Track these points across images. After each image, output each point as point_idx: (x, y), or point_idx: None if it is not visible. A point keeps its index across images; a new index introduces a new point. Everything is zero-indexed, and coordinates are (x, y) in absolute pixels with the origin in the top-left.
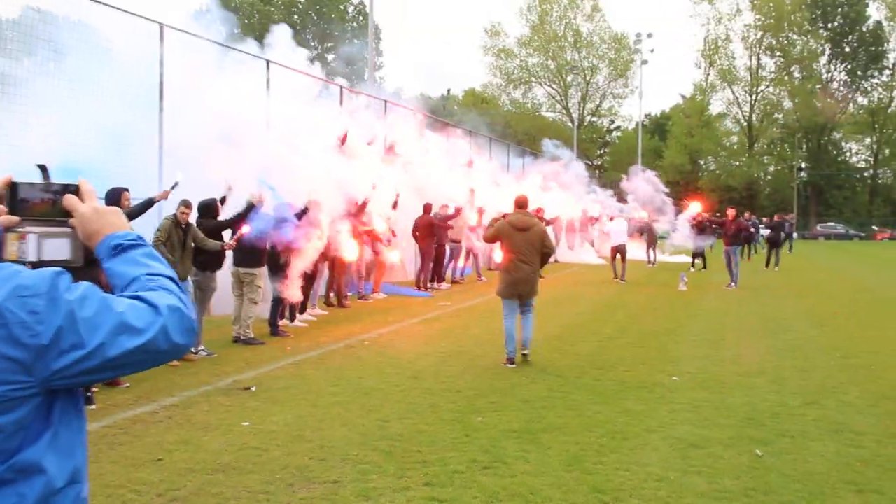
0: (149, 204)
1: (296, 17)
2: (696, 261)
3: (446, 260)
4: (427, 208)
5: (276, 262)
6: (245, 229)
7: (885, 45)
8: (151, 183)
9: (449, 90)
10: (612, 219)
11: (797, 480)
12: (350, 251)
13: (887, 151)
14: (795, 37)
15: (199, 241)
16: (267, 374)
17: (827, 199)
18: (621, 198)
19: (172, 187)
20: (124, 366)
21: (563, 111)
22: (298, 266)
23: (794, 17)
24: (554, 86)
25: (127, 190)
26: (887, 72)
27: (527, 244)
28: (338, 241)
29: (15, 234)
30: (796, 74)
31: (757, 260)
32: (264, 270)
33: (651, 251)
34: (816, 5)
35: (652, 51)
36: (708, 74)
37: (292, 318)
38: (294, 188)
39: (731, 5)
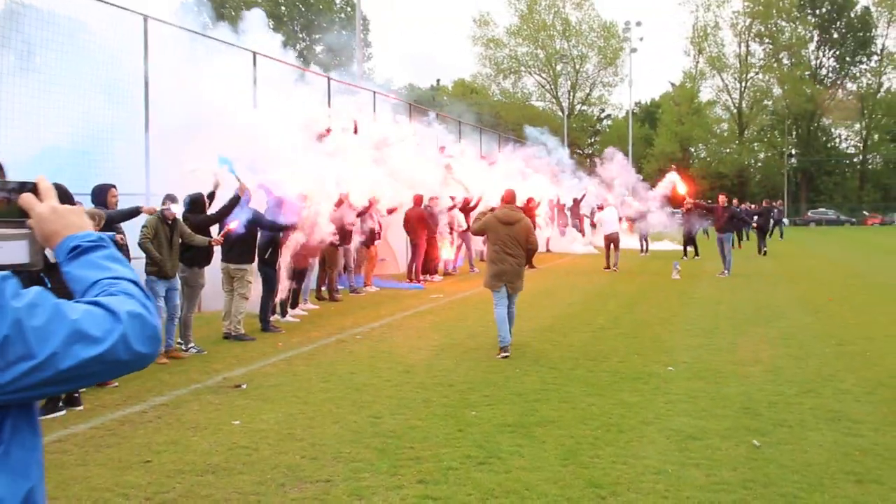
0: (135, 212)
1: (283, 7)
2: (689, 248)
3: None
4: (417, 200)
5: (265, 257)
6: (233, 225)
7: (873, 30)
8: (138, 178)
9: (438, 80)
10: (601, 208)
11: (796, 471)
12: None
13: (876, 137)
14: (784, 23)
15: (186, 236)
16: (258, 370)
17: (817, 185)
18: (609, 185)
19: (163, 208)
20: (81, 377)
21: (553, 100)
22: (288, 261)
23: (783, 4)
24: (543, 75)
25: (114, 186)
26: (875, 57)
27: (512, 238)
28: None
29: None
30: (785, 61)
31: (749, 247)
32: (254, 266)
33: (644, 240)
34: None
35: (641, 39)
36: (697, 62)
37: (283, 314)
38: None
39: None
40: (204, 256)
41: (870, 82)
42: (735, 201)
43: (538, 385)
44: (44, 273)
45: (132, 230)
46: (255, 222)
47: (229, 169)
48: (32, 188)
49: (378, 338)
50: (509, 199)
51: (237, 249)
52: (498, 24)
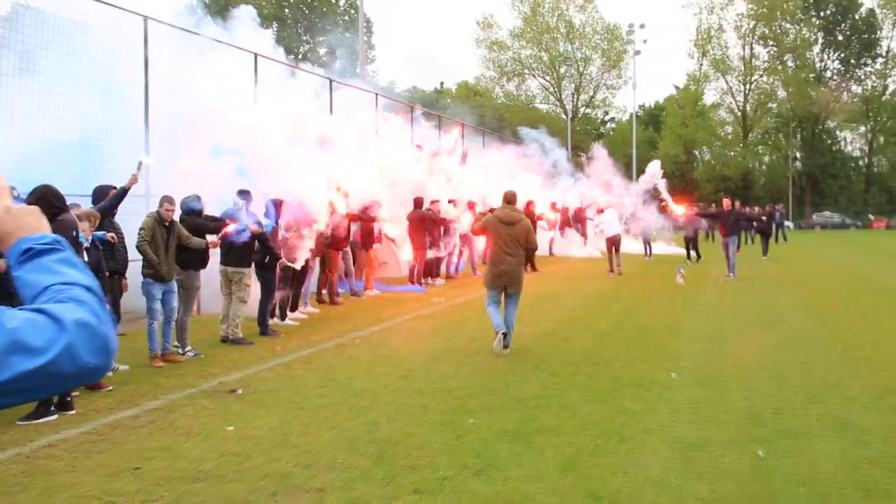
0: (122, 193)
1: (286, 10)
2: (692, 252)
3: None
4: (418, 203)
5: (264, 259)
6: (230, 228)
7: (878, 32)
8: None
9: (442, 83)
10: (601, 211)
11: (802, 483)
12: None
13: (882, 139)
14: (788, 26)
15: (183, 238)
16: (254, 375)
17: (822, 189)
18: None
19: (138, 169)
20: (20, 391)
21: (557, 103)
22: (287, 264)
23: (787, 6)
24: (547, 77)
25: (114, 188)
26: (880, 60)
27: (512, 238)
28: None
29: None
30: (790, 63)
31: (753, 251)
32: (252, 269)
33: (647, 244)
34: None
35: (645, 41)
36: (701, 64)
37: (283, 317)
38: (280, 185)
39: None
40: (200, 259)
41: (875, 84)
42: (737, 203)
43: (538, 391)
44: None
45: (130, 232)
46: (259, 238)
47: (244, 177)
48: None
49: (378, 342)
50: (510, 199)
51: (235, 252)
52: (501, 26)
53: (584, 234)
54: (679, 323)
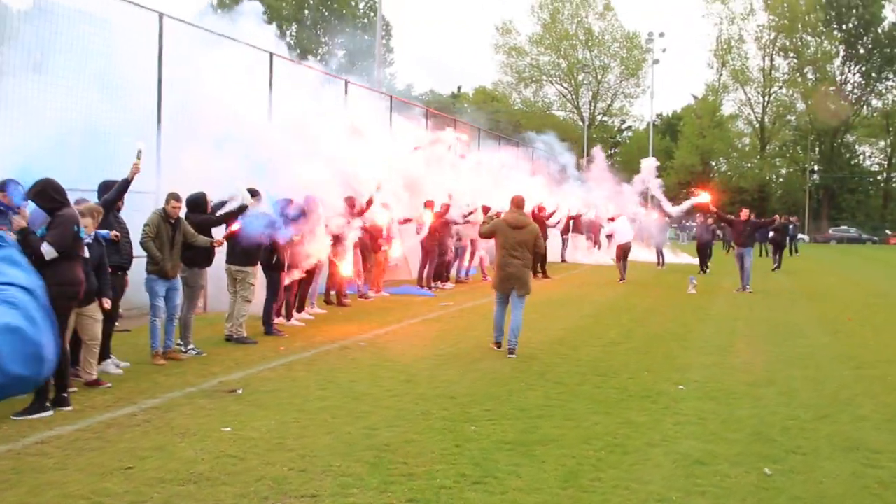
0: (125, 184)
1: (306, 11)
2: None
3: (451, 258)
4: (428, 206)
5: (271, 260)
6: (235, 226)
7: None
8: (148, 175)
9: (459, 88)
10: (612, 219)
11: None
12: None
13: None
14: (809, 38)
15: (189, 236)
16: (256, 375)
17: (839, 203)
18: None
19: (138, 157)
20: None
21: (574, 110)
22: (294, 264)
23: (808, 18)
24: (565, 84)
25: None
26: None
27: (520, 242)
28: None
29: None
30: (810, 76)
31: (765, 263)
32: (258, 268)
33: (660, 253)
34: (831, 6)
35: (664, 50)
36: (720, 75)
37: (289, 317)
38: (294, 183)
39: (744, 5)
40: (204, 257)
41: None
42: (752, 215)
43: (542, 400)
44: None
45: (136, 228)
46: (276, 219)
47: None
48: None
49: (382, 345)
50: (518, 203)
51: (239, 250)
52: (521, 32)
53: (597, 242)
54: (690, 334)
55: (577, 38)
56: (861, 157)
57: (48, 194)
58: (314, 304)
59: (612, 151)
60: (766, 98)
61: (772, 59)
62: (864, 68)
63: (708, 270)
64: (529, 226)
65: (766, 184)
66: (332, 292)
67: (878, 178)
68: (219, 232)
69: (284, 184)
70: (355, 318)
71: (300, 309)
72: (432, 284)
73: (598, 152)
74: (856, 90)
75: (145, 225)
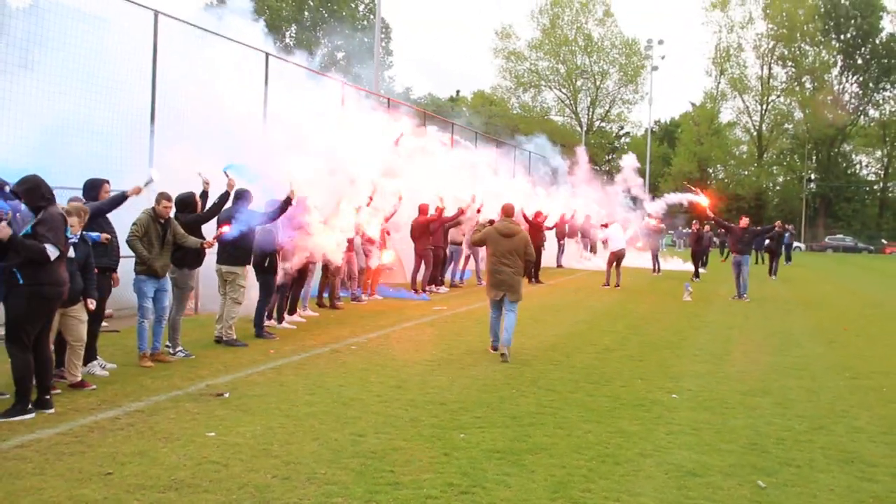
0: (121, 198)
1: (306, 13)
2: (697, 269)
3: (447, 262)
4: (423, 209)
5: (262, 261)
6: (225, 229)
7: None
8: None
9: (458, 91)
10: (605, 226)
11: None
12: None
13: None
14: (807, 47)
15: (179, 237)
16: (243, 378)
17: (835, 212)
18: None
19: (146, 184)
20: None
21: (573, 115)
22: (286, 266)
23: (807, 28)
24: (563, 90)
25: (107, 182)
26: None
27: (510, 250)
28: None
29: None
30: (807, 85)
31: (761, 270)
32: (248, 269)
33: (656, 260)
34: (829, 16)
35: (663, 57)
36: (718, 82)
37: (280, 320)
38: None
39: (743, 14)
40: (194, 258)
41: (893, 109)
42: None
43: (534, 408)
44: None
45: (124, 227)
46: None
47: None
48: None
49: (373, 349)
50: (508, 211)
51: (228, 250)
52: (520, 37)
53: (593, 249)
54: (684, 342)
55: (577, 43)
56: (857, 166)
57: (40, 193)
58: (306, 307)
59: (610, 157)
60: (764, 106)
61: (770, 68)
62: (861, 78)
63: (699, 278)
64: (519, 234)
65: (763, 192)
66: (325, 295)
67: (875, 187)
68: (209, 232)
69: (276, 184)
70: (347, 322)
71: (291, 311)
72: (427, 288)
73: (581, 153)
74: (853, 100)
75: (133, 224)
